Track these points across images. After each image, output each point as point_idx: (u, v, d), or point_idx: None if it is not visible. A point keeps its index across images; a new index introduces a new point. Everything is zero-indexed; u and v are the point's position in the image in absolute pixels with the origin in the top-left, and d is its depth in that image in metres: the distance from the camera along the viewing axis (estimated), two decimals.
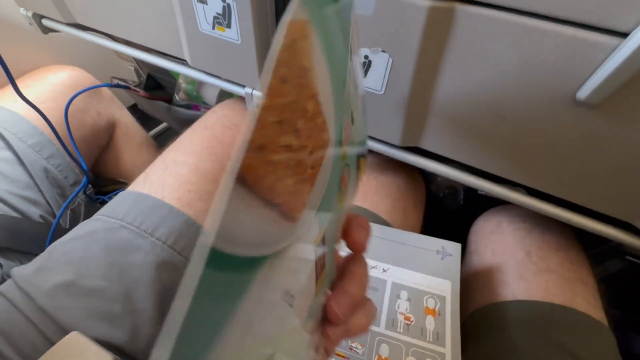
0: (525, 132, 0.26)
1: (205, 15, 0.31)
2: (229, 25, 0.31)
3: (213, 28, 0.32)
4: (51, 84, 0.55)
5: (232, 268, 0.09)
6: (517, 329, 0.30)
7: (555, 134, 0.24)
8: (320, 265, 0.14)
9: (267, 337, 0.11)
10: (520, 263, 0.34)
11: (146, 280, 0.30)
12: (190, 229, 0.34)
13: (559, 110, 0.23)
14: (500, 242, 0.37)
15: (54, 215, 0.47)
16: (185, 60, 0.38)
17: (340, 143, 0.14)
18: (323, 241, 0.14)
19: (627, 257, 0.47)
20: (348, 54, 0.14)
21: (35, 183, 0.46)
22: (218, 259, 0.08)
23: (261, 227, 0.10)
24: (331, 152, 0.13)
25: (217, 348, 0.08)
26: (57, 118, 0.52)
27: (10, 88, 0.39)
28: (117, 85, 0.50)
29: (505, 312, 0.32)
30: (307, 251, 0.13)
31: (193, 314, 0.07)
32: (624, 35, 0.19)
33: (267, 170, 0.10)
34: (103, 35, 0.46)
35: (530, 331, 0.30)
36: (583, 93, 0.21)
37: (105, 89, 0.63)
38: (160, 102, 0.60)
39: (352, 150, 0.17)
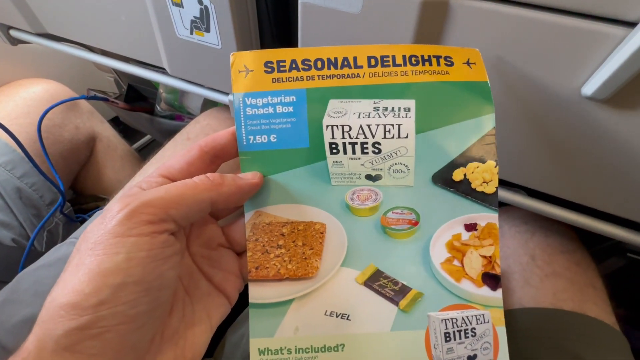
0: (526, 131, 0.24)
1: (182, 20, 0.29)
2: (207, 30, 0.29)
3: (191, 33, 0.30)
4: (24, 99, 0.52)
5: (269, 306, 0.20)
6: (526, 339, 0.29)
7: (559, 132, 0.23)
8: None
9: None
10: (525, 268, 0.32)
11: None
12: None
13: (562, 107, 0.22)
14: (502, 247, 0.35)
15: (28, 238, 0.44)
16: (165, 69, 0.36)
17: (350, 210, 0.20)
18: (378, 274, 0.20)
19: (629, 255, 0.46)
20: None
21: (7, 204, 0.43)
22: (257, 305, 0.19)
23: (277, 290, 0.20)
24: (334, 226, 0.20)
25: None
26: (31, 134, 0.49)
27: None
28: (94, 97, 0.47)
29: (513, 321, 0.30)
30: (343, 287, 0.20)
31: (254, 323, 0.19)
32: (631, 25, 0.18)
33: (268, 270, 0.20)
34: (77, 45, 0.43)
35: (540, 341, 0.28)
36: (589, 89, 0.20)
37: (84, 102, 0.60)
38: (142, 114, 0.58)
39: (394, 200, 0.20)
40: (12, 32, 0.43)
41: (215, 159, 0.19)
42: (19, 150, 0.47)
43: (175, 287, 0.17)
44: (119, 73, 0.65)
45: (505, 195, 0.30)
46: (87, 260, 0.14)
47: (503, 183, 0.29)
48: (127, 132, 0.76)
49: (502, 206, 0.42)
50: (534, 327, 0.29)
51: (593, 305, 0.29)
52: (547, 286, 0.31)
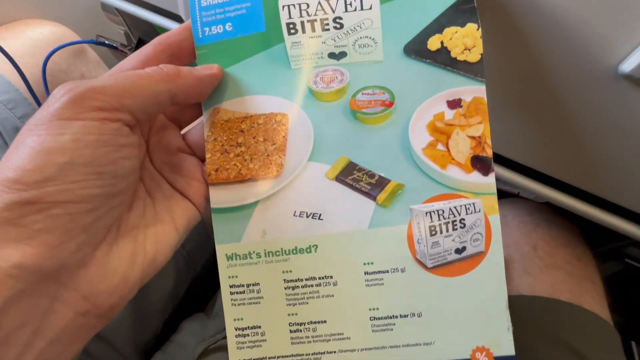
0: (550, 110, 0.23)
1: None
2: None
3: None
4: (30, 39, 0.50)
5: (232, 210, 0.19)
6: (520, 325, 0.28)
7: (586, 112, 0.22)
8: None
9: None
10: (525, 257, 0.32)
11: None
12: None
13: (595, 84, 0.21)
14: (504, 235, 0.35)
15: None
16: (180, 16, 0.35)
17: (314, 95, 0.18)
18: (351, 167, 0.18)
19: (627, 260, 0.46)
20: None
21: (6, 143, 0.42)
22: (219, 210, 0.19)
23: (240, 192, 0.19)
24: (298, 116, 0.18)
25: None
26: (35, 76, 0.48)
27: None
28: (103, 44, 0.46)
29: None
30: (313, 185, 0.19)
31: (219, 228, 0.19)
32: None
33: (228, 172, 0.19)
34: None
35: (534, 328, 0.28)
36: (628, 65, 0.19)
37: (92, 52, 0.58)
38: None
39: (363, 79, 0.18)
40: None
41: (172, 59, 0.18)
42: (21, 90, 0.45)
43: (134, 180, 0.17)
44: (130, 24, 0.63)
45: (517, 178, 0.29)
46: (28, 139, 0.13)
47: (511, 165, 0.29)
48: None
49: (508, 197, 0.41)
50: (528, 314, 0.29)
51: (590, 298, 0.29)
52: (546, 277, 0.30)
